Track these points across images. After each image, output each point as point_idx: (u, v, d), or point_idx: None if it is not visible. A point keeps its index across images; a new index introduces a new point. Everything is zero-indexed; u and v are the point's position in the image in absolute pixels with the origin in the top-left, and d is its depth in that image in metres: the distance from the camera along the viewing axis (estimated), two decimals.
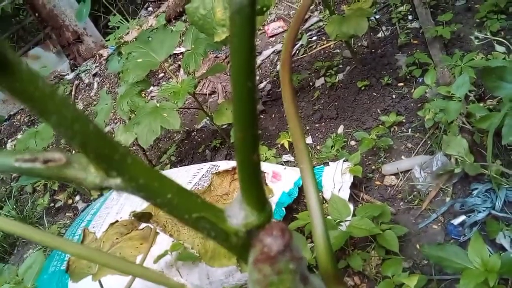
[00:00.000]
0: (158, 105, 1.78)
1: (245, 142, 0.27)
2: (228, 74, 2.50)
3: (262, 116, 2.11)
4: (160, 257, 1.22)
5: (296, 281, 0.28)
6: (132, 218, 1.04)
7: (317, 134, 1.88)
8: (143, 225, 1.12)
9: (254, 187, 0.29)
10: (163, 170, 2.01)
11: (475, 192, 1.38)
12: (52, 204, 2.35)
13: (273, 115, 2.10)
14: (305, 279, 0.29)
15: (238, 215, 0.30)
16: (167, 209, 0.28)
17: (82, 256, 0.45)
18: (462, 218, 1.37)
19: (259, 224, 0.29)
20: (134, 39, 2.42)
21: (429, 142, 1.60)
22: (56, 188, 2.37)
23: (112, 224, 1.13)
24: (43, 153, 0.26)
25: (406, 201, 1.50)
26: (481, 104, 1.50)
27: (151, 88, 2.78)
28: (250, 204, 0.29)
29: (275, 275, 0.27)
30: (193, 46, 1.80)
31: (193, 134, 2.31)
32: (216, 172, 1.20)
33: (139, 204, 1.46)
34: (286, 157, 1.85)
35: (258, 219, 0.29)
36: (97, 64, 3.49)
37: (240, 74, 0.25)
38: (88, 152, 0.24)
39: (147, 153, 2.26)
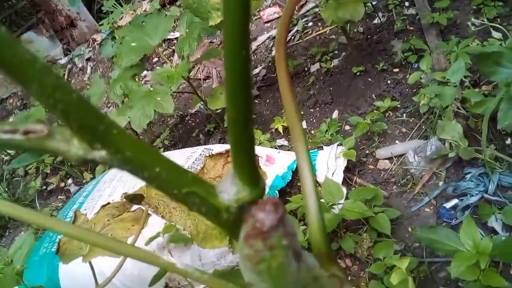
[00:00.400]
0: (151, 89, 1.76)
1: (238, 114, 0.26)
2: (223, 59, 2.48)
3: (256, 101, 2.10)
4: (152, 239, 1.22)
5: (289, 257, 0.27)
6: (124, 200, 1.03)
7: (311, 119, 1.88)
8: (135, 207, 1.11)
9: (246, 161, 0.28)
10: None
11: (468, 176, 1.38)
12: (44, 187, 2.34)
13: (268, 100, 2.09)
14: (298, 255, 0.29)
15: (229, 190, 0.29)
16: (155, 184, 0.27)
17: (72, 235, 0.44)
18: (454, 201, 1.37)
19: (251, 200, 0.29)
20: (128, 24, 2.39)
21: (423, 127, 1.60)
22: (49, 171, 2.36)
23: (103, 206, 1.12)
24: (24, 124, 0.25)
25: (399, 185, 1.50)
26: (476, 90, 1.50)
27: (145, 72, 2.76)
28: (242, 179, 0.29)
29: (267, 250, 0.26)
30: (187, 30, 1.77)
31: (187, 118, 2.29)
32: (209, 155, 1.19)
33: (132, 187, 1.45)
34: (280, 142, 1.85)
35: (250, 194, 0.29)
36: (91, 49, 3.45)
37: (233, 41, 0.24)
38: (70, 122, 0.23)
39: (141, 137, 2.24)
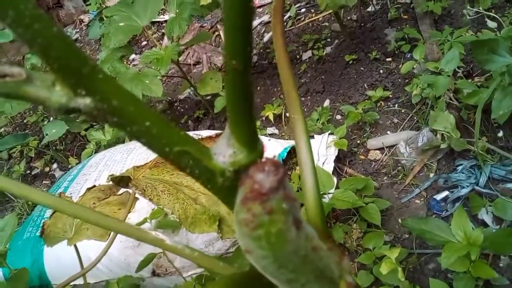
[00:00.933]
0: (140, 71, 1.72)
1: (237, 59, 0.23)
2: (213, 44, 2.44)
3: None
4: (139, 224, 1.19)
5: (289, 223, 0.25)
6: (110, 182, 0.99)
7: (302, 108, 1.85)
8: (122, 190, 1.08)
9: (244, 120, 0.26)
10: None
11: (459, 168, 1.37)
12: (28, 172, 2.28)
13: (259, 88, 2.06)
14: (297, 223, 0.26)
15: (225, 153, 0.26)
16: (145, 140, 0.25)
17: (62, 210, 0.41)
18: (445, 193, 1.37)
19: (248, 164, 0.26)
20: (117, 3, 2.33)
21: (415, 117, 1.59)
22: (33, 155, 2.30)
23: (89, 188, 1.09)
24: None
25: (390, 176, 1.49)
26: (469, 81, 1.49)
27: (133, 56, 2.70)
28: (239, 140, 0.26)
29: (266, 215, 0.24)
30: (177, 10, 1.73)
31: (175, 104, 2.25)
32: (198, 139, 1.17)
33: (119, 171, 1.42)
34: (271, 130, 1.82)
35: (248, 157, 0.26)
36: (78, 30, 3.37)
37: None
38: (51, 61, 0.21)
39: None
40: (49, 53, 0.20)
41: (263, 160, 0.26)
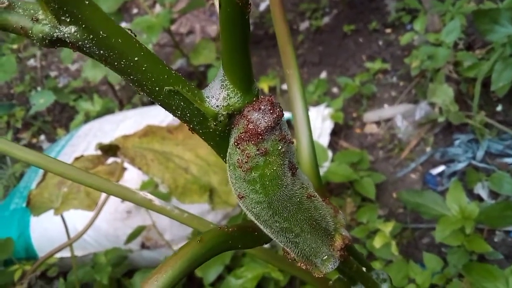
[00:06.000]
0: None
1: None
2: (207, 13, 2.37)
3: None
4: None
5: (284, 166, 0.24)
6: (98, 151, 0.96)
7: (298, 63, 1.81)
8: (110, 160, 1.04)
9: (239, 60, 0.23)
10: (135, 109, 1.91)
11: (456, 142, 1.35)
12: (15, 143, 2.23)
13: (253, 59, 2.01)
14: (293, 168, 0.24)
15: (218, 95, 0.23)
16: (134, 77, 0.22)
17: (54, 170, 0.38)
18: (441, 168, 1.35)
19: (242, 107, 0.23)
20: None
21: (413, 91, 1.55)
22: (20, 126, 2.24)
23: (77, 158, 1.05)
24: None
25: (385, 149, 1.46)
26: (470, 53, 1.45)
27: (124, 24, 2.62)
28: (234, 82, 0.23)
29: (261, 156, 0.23)
30: None
31: None
32: None
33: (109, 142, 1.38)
34: None
35: (243, 101, 0.23)
36: None
37: None
38: None
39: (118, 93, 2.14)
40: None
41: (259, 98, 0.23)
